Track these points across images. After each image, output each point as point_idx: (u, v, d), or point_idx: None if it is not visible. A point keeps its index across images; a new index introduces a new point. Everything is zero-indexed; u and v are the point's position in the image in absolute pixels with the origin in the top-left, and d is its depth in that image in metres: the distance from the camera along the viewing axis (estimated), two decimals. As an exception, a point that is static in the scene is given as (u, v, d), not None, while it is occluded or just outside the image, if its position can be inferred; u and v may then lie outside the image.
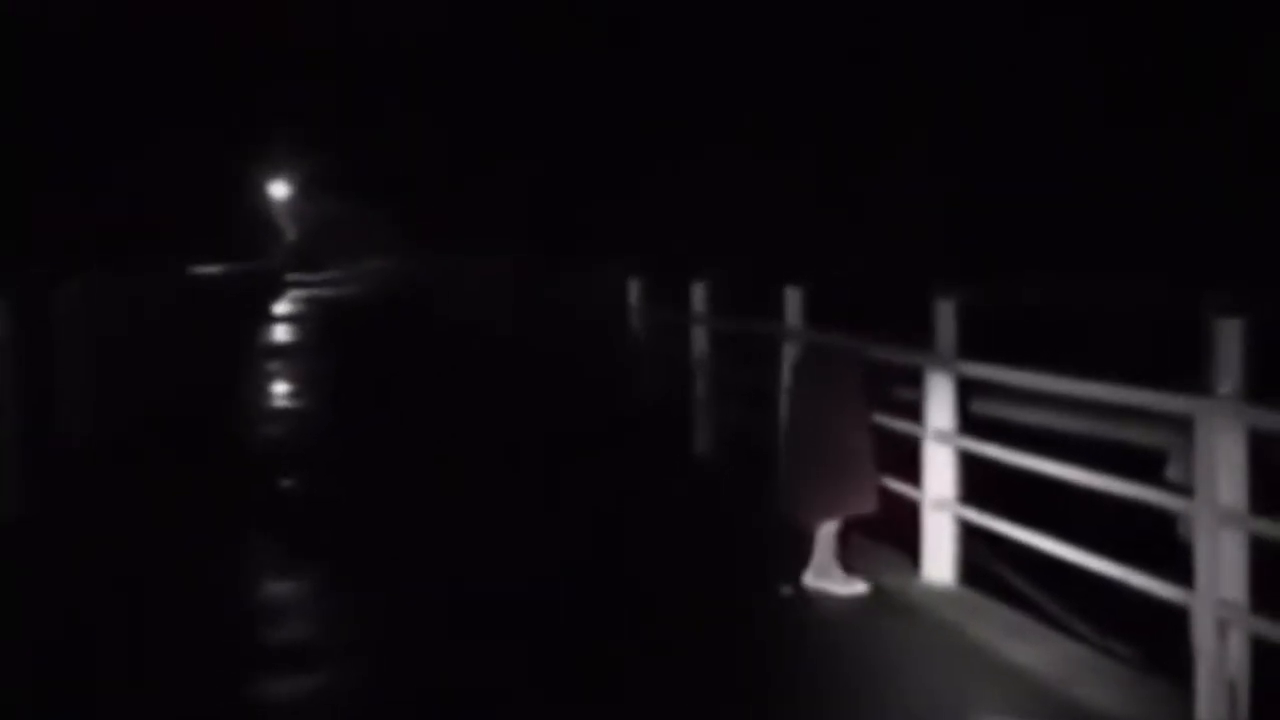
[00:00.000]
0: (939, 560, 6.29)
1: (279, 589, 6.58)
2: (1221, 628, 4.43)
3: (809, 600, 6.09)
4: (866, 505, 6.23)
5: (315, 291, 45.00)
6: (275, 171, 53.53)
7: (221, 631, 5.79)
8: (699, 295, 9.99)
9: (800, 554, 6.23)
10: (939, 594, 6.14)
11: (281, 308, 37.35)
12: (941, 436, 6.28)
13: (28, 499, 7.87)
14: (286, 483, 9.52)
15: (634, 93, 24.96)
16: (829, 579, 6.19)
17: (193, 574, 6.68)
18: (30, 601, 6.28)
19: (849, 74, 19.25)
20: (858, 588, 6.18)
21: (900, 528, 6.46)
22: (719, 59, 22.39)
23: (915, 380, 6.51)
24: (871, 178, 17.93)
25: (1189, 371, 4.77)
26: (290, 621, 6.01)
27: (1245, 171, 13.30)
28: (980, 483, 6.24)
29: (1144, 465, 5.44)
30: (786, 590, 6.17)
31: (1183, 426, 4.80)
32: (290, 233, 63.44)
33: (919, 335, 6.37)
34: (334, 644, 5.68)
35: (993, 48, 17.09)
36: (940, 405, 6.29)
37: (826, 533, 6.20)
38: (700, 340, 9.98)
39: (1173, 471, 5.32)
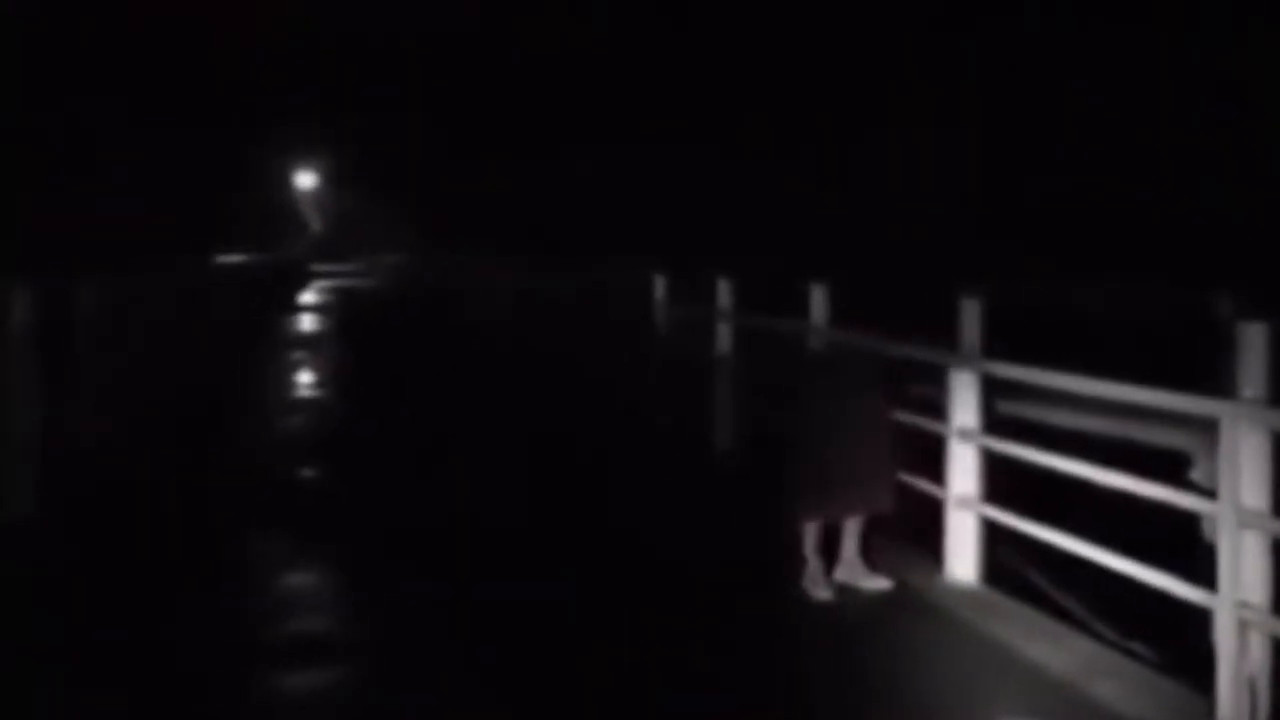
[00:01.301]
0: (962, 559, 6.30)
1: (290, 584, 6.59)
2: (1243, 629, 4.45)
3: (826, 600, 6.11)
4: (885, 505, 6.25)
5: (338, 283, 45.09)
6: (299, 164, 53.89)
7: (232, 626, 5.81)
8: (724, 292, 10.01)
9: (822, 552, 6.26)
10: (961, 593, 6.15)
11: (307, 296, 37.43)
12: (965, 435, 6.30)
13: (38, 496, 7.85)
14: (308, 473, 9.61)
15: (635, 92, 25.05)
16: (814, 583, 6.19)
17: (202, 570, 6.72)
18: (43, 598, 6.30)
19: (849, 73, 19.30)
20: (881, 583, 6.21)
21: (923, 526, 6.48)
22: (720, 59, 22.44)
23: (937, 378, 6.53)
24: (871, 177, 17.98)
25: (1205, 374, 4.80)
26: (300, 617, 6.02)
27: (1246, 171, 13.28)
28: (1002, 482, 6.26)
29: (1169, 467, 5.46)
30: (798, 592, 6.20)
31: (1207, 429, 4.82)
32: (315, 223, 63.72)
33: (941, 334, 6.39)
34: (348, 640, 5.70)
35: (992, 48, 17.10)
36: (964, 404, 6.31)
37: (812, 535, 6.22)
38: (724, 336, 10.01)
39: (1197, 473, 5.34)
